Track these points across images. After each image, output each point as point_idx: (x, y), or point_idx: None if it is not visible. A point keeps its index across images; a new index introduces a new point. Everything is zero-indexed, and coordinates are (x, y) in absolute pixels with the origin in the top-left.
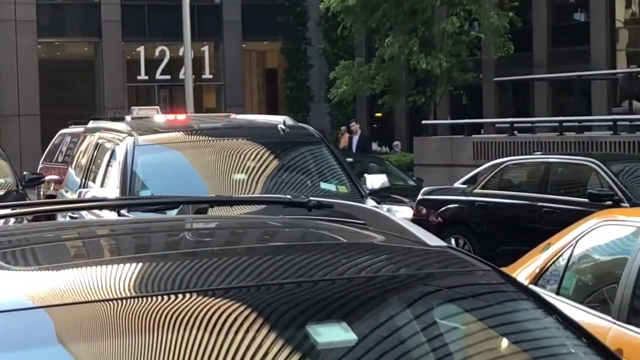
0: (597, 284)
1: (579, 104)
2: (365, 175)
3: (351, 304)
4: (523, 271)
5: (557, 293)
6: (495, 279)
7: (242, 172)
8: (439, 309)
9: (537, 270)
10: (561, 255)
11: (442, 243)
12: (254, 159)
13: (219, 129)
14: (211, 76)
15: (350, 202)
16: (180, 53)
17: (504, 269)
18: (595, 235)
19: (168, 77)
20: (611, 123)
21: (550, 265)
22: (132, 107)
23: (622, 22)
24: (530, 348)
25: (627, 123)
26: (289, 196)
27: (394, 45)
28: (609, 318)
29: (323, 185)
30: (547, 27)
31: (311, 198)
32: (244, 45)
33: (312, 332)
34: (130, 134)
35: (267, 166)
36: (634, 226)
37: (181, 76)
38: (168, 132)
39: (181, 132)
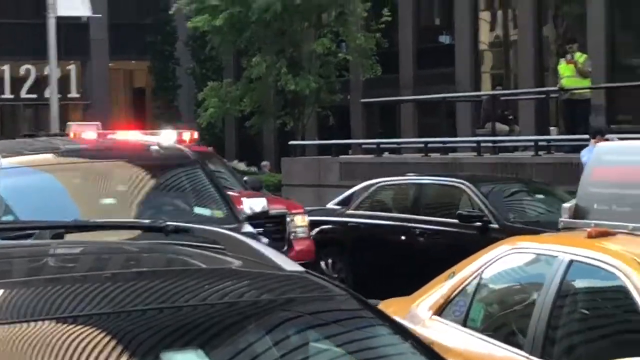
0: (508, 316)
1: (444, 125)
2: (244, 199)
3: (209, 331)
4: (426, 300)
5: (464, 325)
6: (352, 305)
7: (114, 196)
8: (297, 335)
9: (442, 300)
10: (467, 284)
11: (299, 268)
12: (127, 182)
13: (91, 151)
14: (78, 95)
15: (208, 227)
16: (46, 72)
17: (407, 298)
18: (504, 264)
19: (34, 95)
20: (475, 144)
21: (456, 295)
22: (69, 123)
23: (486, 45)
24: None
25: (490, 145)
26: (147, 221)
27: (261, 64)
28: (522, 352)
29: (198, 209)
30: (413, 49)
31: (169, 223)
32: (111, 64)
33: None
34: None
35: (140, 189)
36: (544, 254)
37: (47, 95)
38: (36, 154)
39: (51, 154)
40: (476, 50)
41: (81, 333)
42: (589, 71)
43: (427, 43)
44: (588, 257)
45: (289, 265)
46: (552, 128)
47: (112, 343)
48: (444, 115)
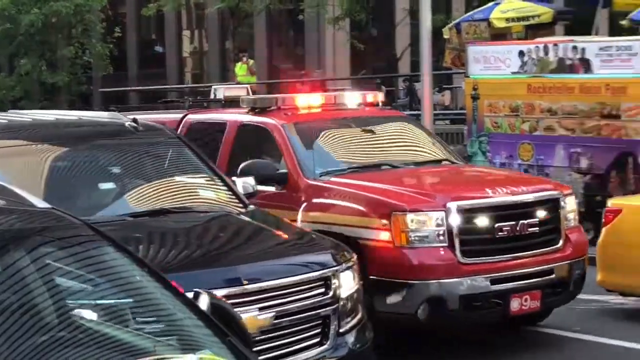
0: None
1: (160, 108)
2: (235, 178)
3: None
4: None
5: None
6: (88, 232)
7: (112, 180)
8: (50, 252)
9: None
10: None
11: (48, 205)
12: (119, 165)
13: (66, 131)
14: None
15: None
16: None
17: None
18: None
19: None
20: None
21: None
22: (214, 86)
23: (187, 53)
24: (113, 279)
25: None
26: None
27: (27, 64)
28: None
29: (202, 192)
30: (136, 55)
31: None
32: None
33: None
34: None
35: (137, 172)
36: None
37: None
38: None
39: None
40: (181, 56)
41: None
42: (255, 71)
43: (146, 51)
44: None
45: (40, 203)
46: None
47: None
48: (156, 101)
